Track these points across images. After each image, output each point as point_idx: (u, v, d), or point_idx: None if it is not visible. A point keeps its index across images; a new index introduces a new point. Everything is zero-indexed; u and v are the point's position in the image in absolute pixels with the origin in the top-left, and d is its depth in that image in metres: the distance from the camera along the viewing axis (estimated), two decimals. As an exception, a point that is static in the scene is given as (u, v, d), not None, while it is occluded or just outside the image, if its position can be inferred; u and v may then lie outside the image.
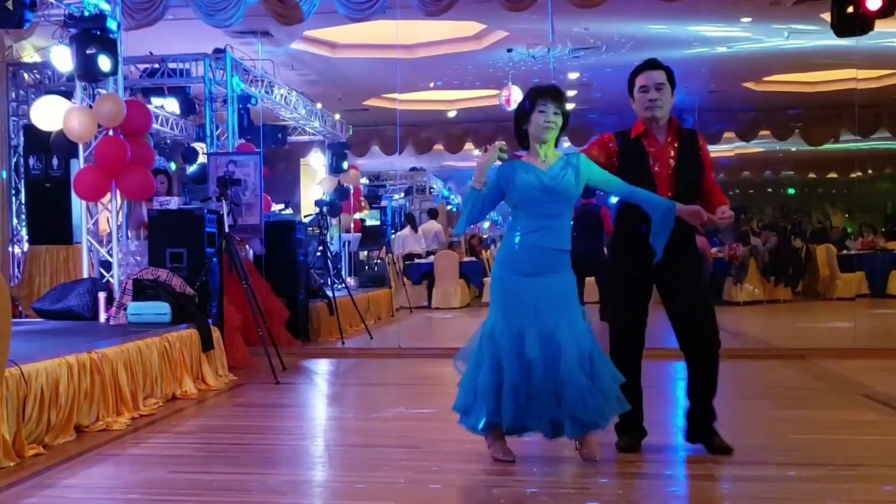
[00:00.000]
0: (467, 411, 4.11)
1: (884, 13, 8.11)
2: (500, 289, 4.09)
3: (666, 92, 4.18)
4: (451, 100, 15.89)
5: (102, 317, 7.26)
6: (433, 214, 17.04)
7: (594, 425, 3.99)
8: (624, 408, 4.02)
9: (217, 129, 10.28)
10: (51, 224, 9.21)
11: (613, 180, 4.12)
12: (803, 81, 15.00)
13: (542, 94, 4.08)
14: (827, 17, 8.68)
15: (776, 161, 21.67)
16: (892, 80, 13.97)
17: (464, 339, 4.29)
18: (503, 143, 4.24)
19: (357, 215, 15.42)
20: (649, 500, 3.64)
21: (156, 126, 10.90)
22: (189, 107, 10.97)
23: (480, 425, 4.08)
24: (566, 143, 17.65)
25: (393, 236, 16.03)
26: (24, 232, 9.65)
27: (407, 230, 16.09)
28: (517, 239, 4.06)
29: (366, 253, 15.16)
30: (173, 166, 12.57)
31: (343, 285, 11.07)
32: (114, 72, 7.63)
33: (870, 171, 20.76)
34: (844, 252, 14.91)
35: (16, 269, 9.55)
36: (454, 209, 22.24)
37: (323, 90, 13.70)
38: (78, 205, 8.47)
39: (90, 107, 7.73)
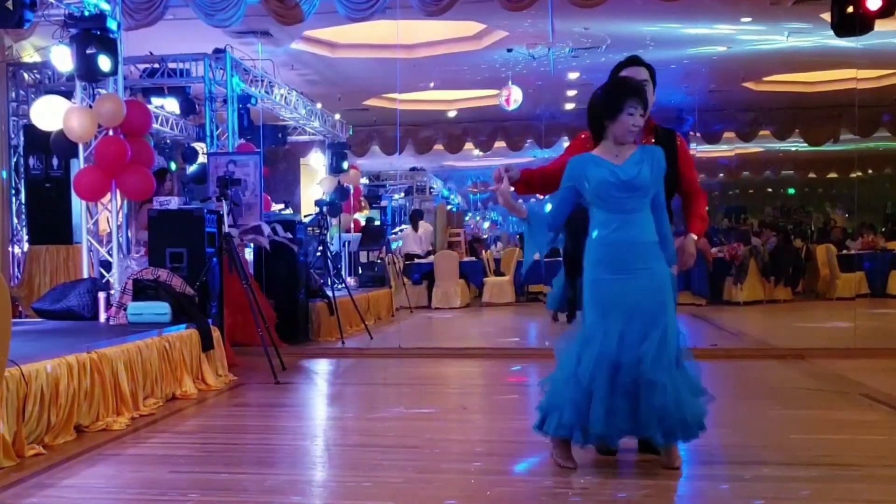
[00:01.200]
0: (548, 413, 3.94)
1: (884, 13, 8.11)
2: (596, 290, 3.93)
3: (649, 90, 4.14)
4: (451, 100, 15.89)
5: (102, 317, 7.26)
6: (419, 216, 16.95)
7: (682, 434, 3.86)
8: (703, 418, 3.89)
9: (217, 129, 10.29)
10: (51, 224, 9.22)
11: (662, 195, 3.99)
12: (803, 81, 14.99)
13: (633, 94, 3.90)
14: (827, 17, 8.68)
15: (776, 161, 21.67)
16: (892, 80, 13.96)
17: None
18: (509, 167, 4.11)
19: (357, 215, 15.44)
20: (649, 500, 3.63)
21: (156, 126, 10.90)
22: (189, 107, 10.98)
23: (549, 430, 3.94)
24: (565, 143, 17.71)
25: (393, 234, 16.04)
26: (24, 232, 9.65)
27: (409, 230, 16.12)
28: (600, 238, 3.93)
29: (367, 254, 15.18)
30: (173, 166, 12.59)
31: (343, 285, 11.07)
32: (114, 72, 7.63)
33: (870, 171, 20.76)
34: (844, 252, 14.90)
35: (16, 269, 9.56)
36: (454, 209, 22.23)
37: (323, 90, 13.70)
38: (78, 205, 8.48)
39: (90, 107, 7.73)
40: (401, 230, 16.92)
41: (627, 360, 3.78)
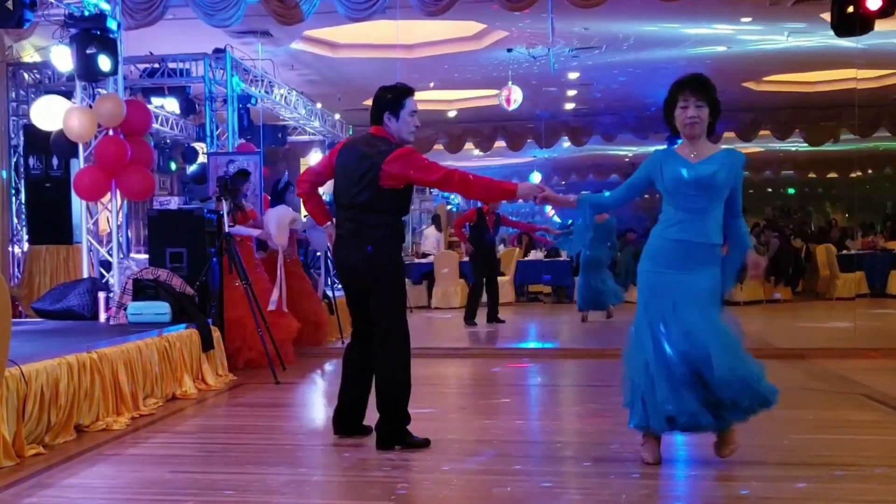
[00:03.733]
0: (629, 408, 4.05)
1: (884, 13, 8.10)
2: (643, 282, 4.04)
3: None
4: (451, 100, 15.89)
5: (102, 317, 7.26)
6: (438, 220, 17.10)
7: (753, 409, 3.96)
8: (773, 400, 4.00)
9: (217, 128, 10.29)
10: (51, 224, 9.21)
11: (737, 217, 4.05)
12: (803, 81, 14.99)
13: (682, 87, 3.94)
14: (827, 17, 8.67)
15: (776, 161, 21.66)
16: (892, 80, 13.96)
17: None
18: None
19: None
20: (649, 500, 3.63)
21: (156, 126, 10.90)
22: (189, 107, 10.97)
23: (632, 423, 4.05)
24: (565, 143, 17.74)
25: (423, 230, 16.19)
26: (24, 232, 9.65)
27: (432, 229, 16.23)
28: (662, 232, 4.00)
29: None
30: (173, 166, 12.58)
31: (343, 285, 11.04)
32: (114, 72, 7.63)
33: (870, 171, 20.76)
34: (844, 252, 14.89)
35: (16, 269, 9.56)
36: (454, 209, 22.23)
37: (323, 90, 13.70)
38: (78, 205, 8.48)
39: (90, 107, 7.73)
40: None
41: (668, 354, 3.86)
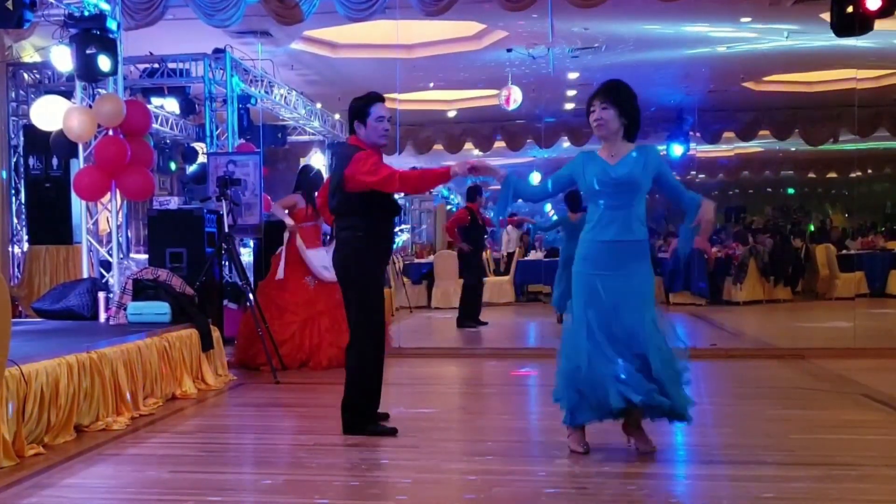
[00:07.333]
0: (558, 400, 4.24)
1: (884, 13, 8.09)
2: (580, 284, 4.19)
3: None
4: (450, 100, 15.89)
5: (102, 317, 7.26)
6: None
7: (677, 412, 4.10)
8: (682, 412, 4.12)
9: (217, 129, 10.29)
10: (51, 224, 9.22)
11: (679, 190, 4.25)
12: (803, 81, 14.99)
13: (594, 94, 4.19)
14: (827, 17, 8.67)
15: (776, 161, 21.67)
16: (892, 80, 13.96)
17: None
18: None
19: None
20: (649, 500, 3.63)
21: (156, 126, 10.91)
22: (189, 107, 10.99)
23: (564, 417, 4.24)
24: (565, 143, 17.75)
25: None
26: (24, 232, 9.65)
27: None
28: (590, 235, 4.19)
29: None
30: (173, 166, 12.59)
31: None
32: (114, 72, 7.63)
33: (870, 171, 20.76)
34: (844, 252, 14.90)
35: (16, 269, 9.56)
36: (454, 209, 22.25)
37: (323, 90, 13.70)
38: (78, 205, 8.48)
39: (90, 107, 7.73)
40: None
41: (616, 349, 4.03)
